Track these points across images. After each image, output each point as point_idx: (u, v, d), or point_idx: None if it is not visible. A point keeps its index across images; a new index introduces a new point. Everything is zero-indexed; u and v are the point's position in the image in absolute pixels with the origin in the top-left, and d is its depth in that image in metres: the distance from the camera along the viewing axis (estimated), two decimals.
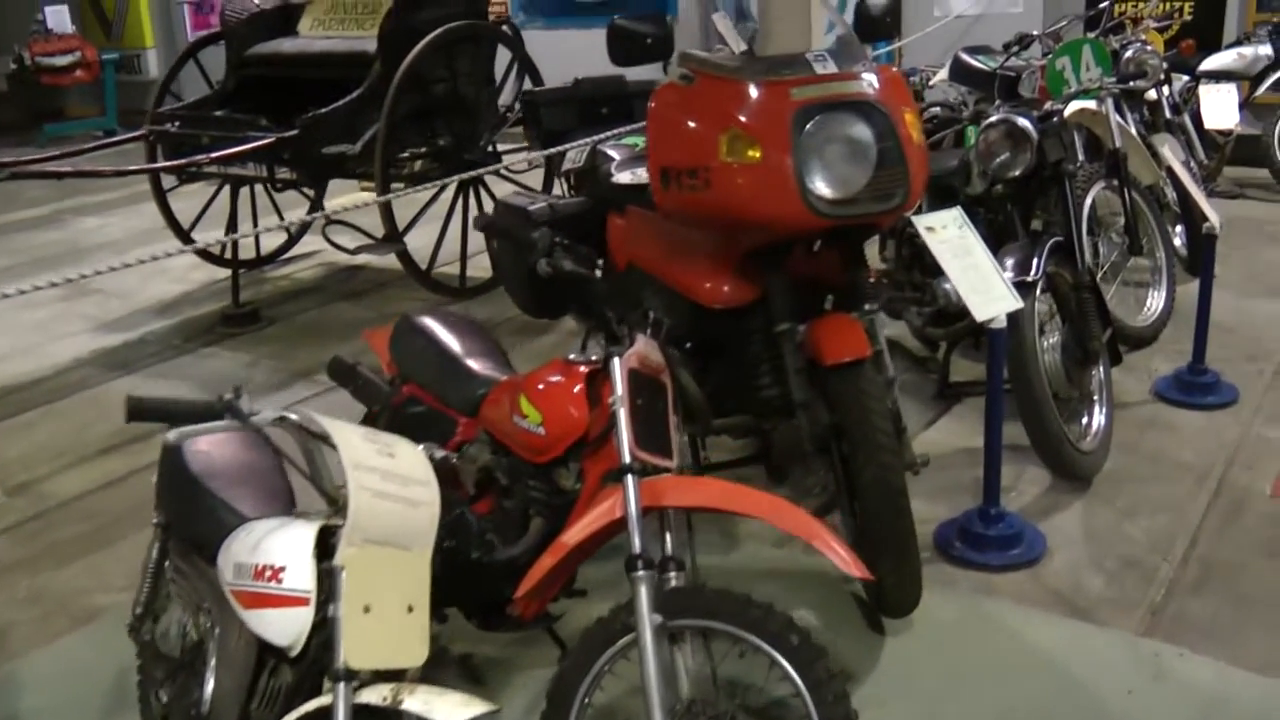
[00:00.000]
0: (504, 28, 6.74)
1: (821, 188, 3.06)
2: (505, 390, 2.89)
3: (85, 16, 14.34)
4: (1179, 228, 6.12)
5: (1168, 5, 8.34)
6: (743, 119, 3.13)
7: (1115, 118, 5.34)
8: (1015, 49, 5.84)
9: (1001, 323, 3.44)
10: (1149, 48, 6.19)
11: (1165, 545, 3.72)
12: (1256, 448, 4.34)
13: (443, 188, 6.39)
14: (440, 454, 2.30)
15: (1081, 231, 4.91)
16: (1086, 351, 3.99)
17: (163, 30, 14.23)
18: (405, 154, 6.45)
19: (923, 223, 3.49)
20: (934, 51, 8.13)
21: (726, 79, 3.22)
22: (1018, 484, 4.10)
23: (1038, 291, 3.86)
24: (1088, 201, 5.16)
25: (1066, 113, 4.97)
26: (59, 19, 13.53)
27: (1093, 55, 5.28)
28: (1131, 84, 5.06)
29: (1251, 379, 4.92)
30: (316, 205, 7.47)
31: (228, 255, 6.95)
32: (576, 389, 2.67)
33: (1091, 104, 5.33)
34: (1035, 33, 5.91)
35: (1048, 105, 4.20)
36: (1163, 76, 6.35)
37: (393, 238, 6.15)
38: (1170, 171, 4.82)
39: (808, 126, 3.07)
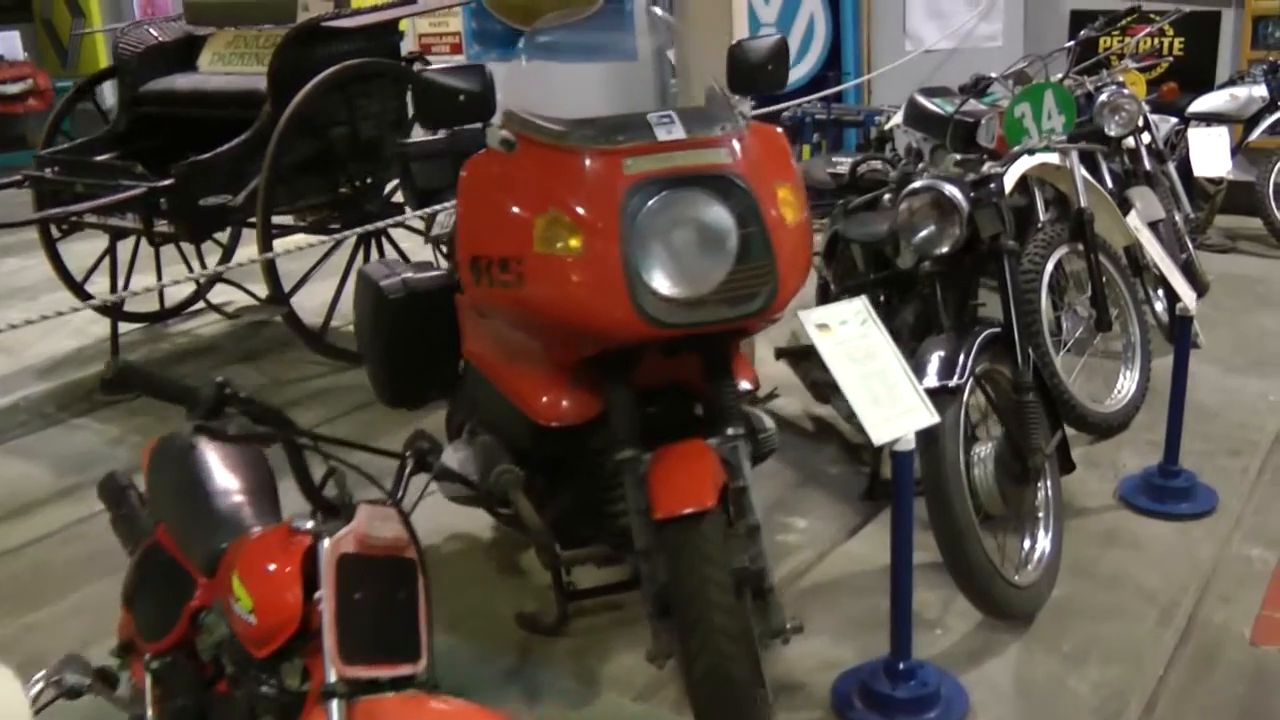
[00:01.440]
0: (416, 65, 6.09)
1: (659, 288, 2.43)
2: (231, 556, 2.23)
3: (40, 43, 13.81)
4: (1160, 291, 5.46)
5: (1152, 42, 7.68)
6: (563, 198, 2.49)
7: (1080, 173, 4.70)
8: (971, 93, 5.19)
9: (908, 444, 2.78)
10: (1126, 91, 5.53)
11: (1116, 708, 3.04)
12: (1235, 572, 3.67)
13: (337, 243, 5.74)
14: None
15: (1028, 319, 4.28)
16: (1027, 466, 3.31)
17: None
18: (301, 204, 5.83)
19: (812, 319, 2.83)
20: (906, 88, 7.47)
21: (548, 146, 2.58)
22: (945, 616, 3.44)
23: (965, 395, 3.20)
24: (1048, 268, 4.51)
25: (1025, 167, 4.32)
26: (10, 46, 12.98)
27: (1055, 102, 4.64)
28: (1082, 145, 4.38)
29: (1234, 479, 4.24)
30: (227, 255, 6.87)
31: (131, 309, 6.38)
32: (289, 569, 2.00)
33: (1053, 157, 4.68)
34: (993, 74, 5.26)
35: (986, 168, 3.53)
36: (1141, 123, 5.69)
37: (277, 299, 5.51)
38: (1140, 240, 4.15)
39: (643, 208, 2.44)
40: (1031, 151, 3.83)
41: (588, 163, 2.49)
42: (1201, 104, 7.31)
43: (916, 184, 3.42)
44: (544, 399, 2.79)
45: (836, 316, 2.88)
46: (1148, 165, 5.67)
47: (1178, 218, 6.31)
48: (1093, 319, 4.62)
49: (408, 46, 10.31)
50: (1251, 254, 7.12)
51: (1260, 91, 7.15)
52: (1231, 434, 4.61)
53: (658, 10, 3.03)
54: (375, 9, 6.07)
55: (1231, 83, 7.37)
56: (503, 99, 2.88)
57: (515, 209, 2.56)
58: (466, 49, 10.15)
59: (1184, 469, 4.11)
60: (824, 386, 4.31)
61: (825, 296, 4.56)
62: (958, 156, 5.27)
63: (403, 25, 10.28)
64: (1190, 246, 6.36)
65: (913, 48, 8.38)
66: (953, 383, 3.11)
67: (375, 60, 5.67)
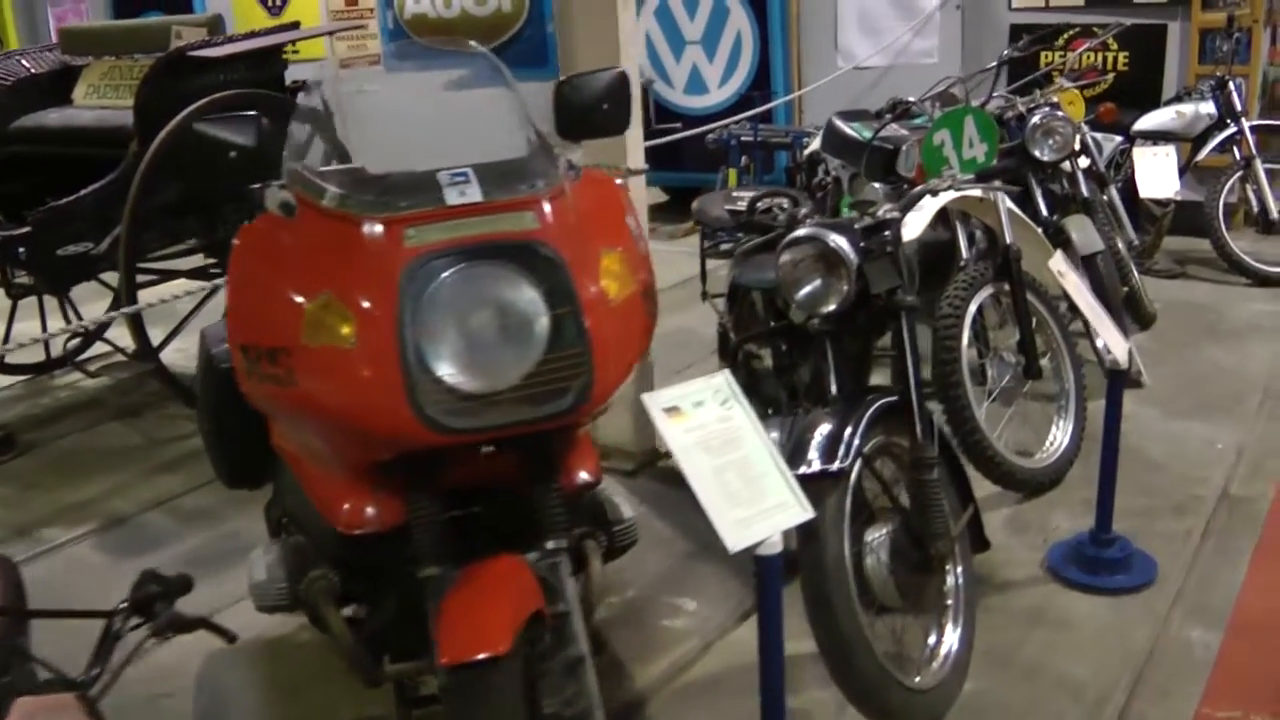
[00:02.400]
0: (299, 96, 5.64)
1: (444, 387, 2.00)
2: None
3: None
4: None
5: (1093, 58, 7.32)
6: (336, 278, 2.07)
7: (1005, 205, 4.30)
8: (889, 118, 4.80)
9: (773, 547, 2.36)
10: (1060, 114, 5.15)
11: None
12: (1174, 659, 3.26)
13: (213, 290, 5.30)
14: None
15: (947, 368, 3.90)
16: (928, 554, 2.89)
17: None
18: (175, 249, 5.39)
19: (659, 403, 2.40)
20: (841, 102, 7.05)
21: (324, 213, 2.15)
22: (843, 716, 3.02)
23: (853, 479, 2.78)
24: (971, 310, 4.11)
25: (930, 211, 3.92)
26: None
27: (977, 128, 4.25)
28: (993, 185, 3.97)
29: (1175, 544, 3.85)
30: (118, 303, 6.41)
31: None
32: None
33: (976, 191, 4.28)
34: (911, 98, 4.87)
35: (882, 212, 3.11)
36: (1078, 145, 5.31)
37: (143, 354, 5.06)
38: (1071, 282, 3.73)
39: (425, 289, 2.01)
40: (935, 192, 3.41)
41: (364, 234, 2.07)
42: (1147, 122, 6.95)
43: (799, 232, 3.01)
44: (345, 505, 2.37)
45: (691, 397, 2.46)
46: (1085, 191, 5.28)
47: (1120, 245, 5.94)
48: (1020, 365, 4.22)
49: (311, 73, 9.94)
50: (1201, 279, 6.75)
51: (1208, 108, 6.79)
52: (1174, 489, 4.22)
53: (474, 44, 2.59)
54: (250, 36, 5.62)
55: (1178, 99, 7.01)
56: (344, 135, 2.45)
57: (285, 290, 2.14)
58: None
59: (1119, 535, 3.71)
60: None
61: (724, 346, 4.15)
62: (876, 185, 4.93)
63: (310, 50, 9.87)
64: (1135, 274, 5.99)
65: (845, 64, 8.00)
66: (835, 467, 2.69)
67: (248, 91, 5.21)
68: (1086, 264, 4.97)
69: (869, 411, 2.83)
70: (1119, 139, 7.01)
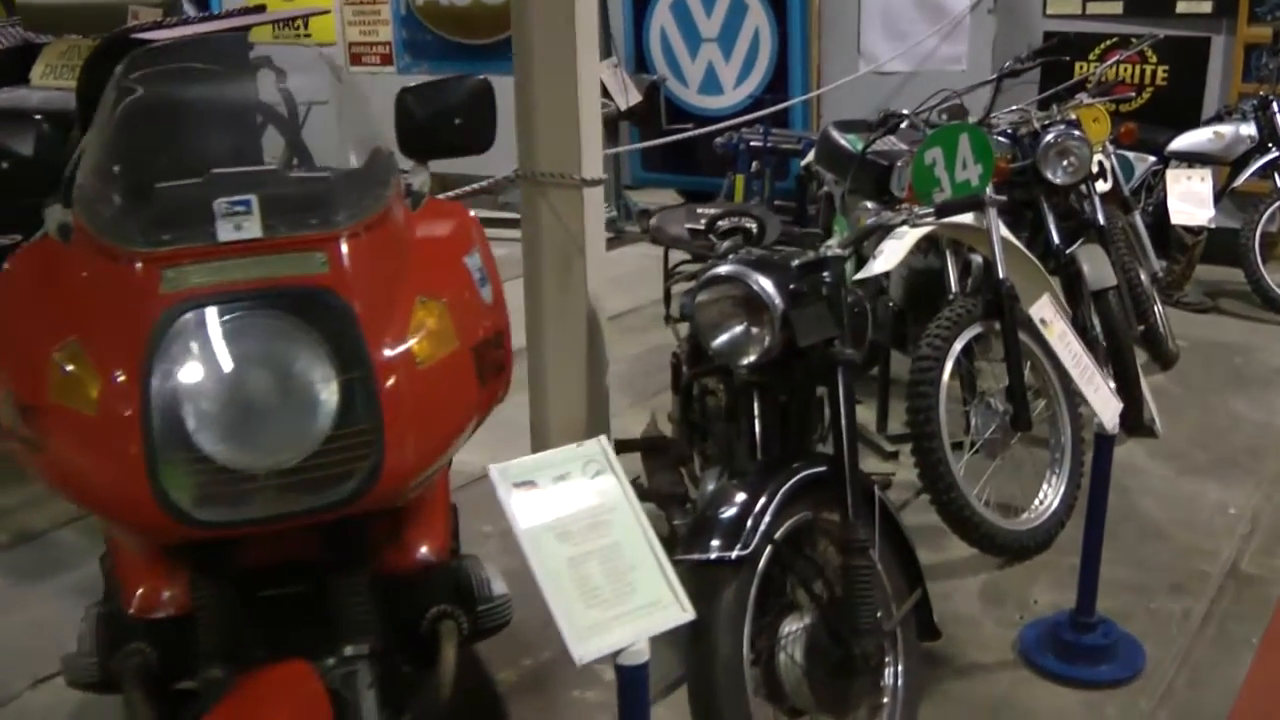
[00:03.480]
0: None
1: (198, 469, 1.60)
2: None
3: None
4: (1110, 366, 4.61)
5: (1122, 70, 6.81)
6: (86, 325, 1.68)
7: (999, 234, 3.86)
8: (880, 131, 4.36)
9: (638, 656, 1.95)
10: (1076, 133, 4.68)
11: None
12: None
13: None
14: None
15: (922, 415, 3.47)
16: (852, 656, 2.45)
17: None
18: None
19: (510, 475, 2.00)
20: (862, 109, 6.59)
21: (93, 240, 1.76)
22: None
23: (760, 566, 2.35)
24: (955, 349, 3.68)
25: (893, 257, 3.49)
26: None
27: (971, 148, 3.81)
28: (953, 220, 3.49)
29: (1169, 629, 3.40)
30: None
31: None
32: None
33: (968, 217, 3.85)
34: (905, 111, 4.42)
35: (829, 245, 2.67)
36: (1096, 168, 4.84)
37: None
38: (1056, 333, 3.25)
39: (176, 346, 1.61)
40: (885, 227, 2.95)
41: (117, 272, 1.68)
42: (1182, 142, 6.45)
43: (720, 269, 2.59)
44: (139, 587, 1.99)
45: (552, 468, 2.05)
46: (1101, 219, 4.80)
47: (1143, 276, 5.47)
48: (1009, 415, 3.77)
49: (338, 56, 9.59)
50: (1234, 315, 6.24)
51: (1248, 130, 6.28)
52: (1176, 562, 3.75)
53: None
54: (210, 18, 5.26)
55: (1218, 118, 6.50)
56: None
57: (38, 332, 1.76)
58: (397, 60, 9.36)
59: (1103, 618, 3.26)
60: (670, 500, 3.50)
61: (677, 378, 3.74)
62: (869, 205, 4.49)
63: (321, 35, 9.53)
64: (1157, 310, 5.51)
65: (867, 68, 7.53)
66: (735, 554, 2.26)
67: None
68: (1096, 300, 4.52)
69: (788, 484, 2.41)
70: (1152, 159, 6.53)
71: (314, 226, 1.78)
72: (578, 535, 2.01)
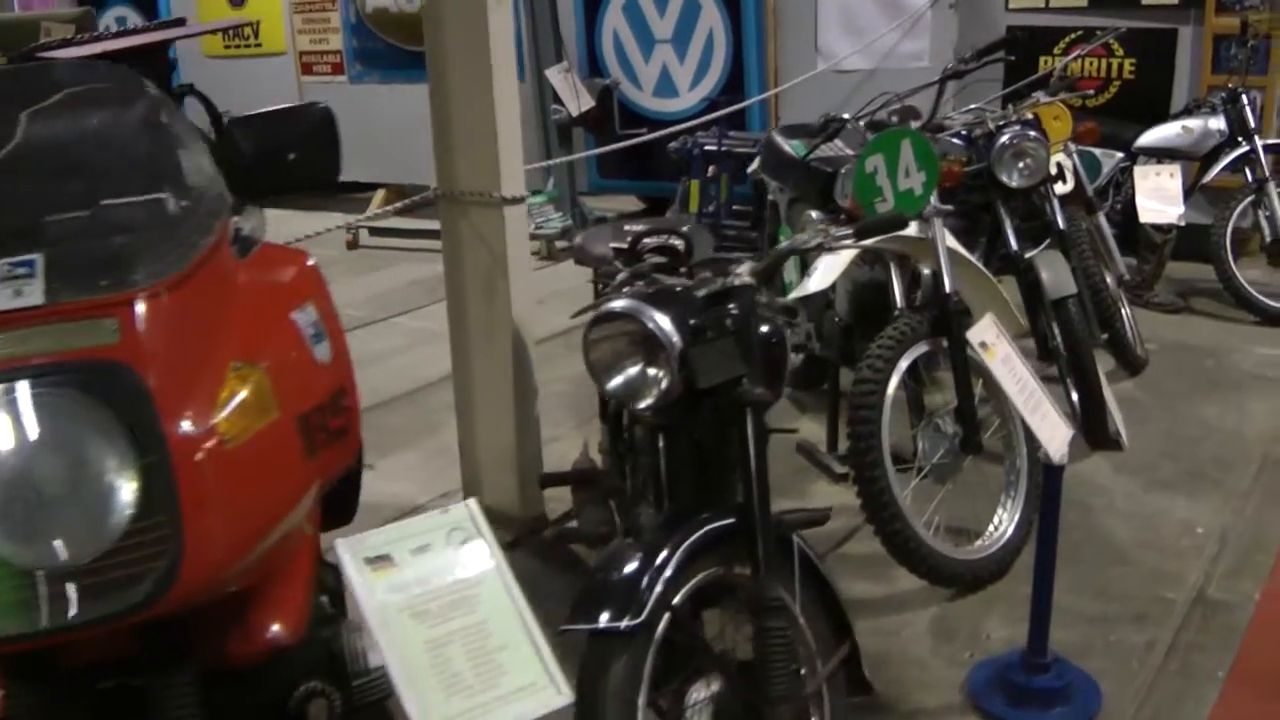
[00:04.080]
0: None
1: None
2: None
3: None
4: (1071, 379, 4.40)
5: (1079, 67, 6.58)
6: None
7: (945, 245, 3.65)
8: (821, 138, 4.14)
9: None
10: (1032, 133, 4.46)
11: None
12: None
13: None
14: None
15: (864, 444, 3.27)
16: None
17: None
18: None
19: (363, 550, 1.77)
20: (821, 110, 6.35)
21: None
22: None
23: (658, 633, 2.12)
24: (899, 370, 3.47)
25: (837, 269, 3.27)
26: None
27: (914, 154, 3.59)
28: (870, 243, 3.21)
29: (1130, 663, 3.18)
30: None
31: None
32: None
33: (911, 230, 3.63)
34: (845, 115, 4.19)
35: (734, 277, 2.42)
36: (1055, 169, 4.63)
37: None
38: (997, 357, 3.01)
39: None
40: (798, 251, 2.69)
41: None
42: (1149, 137, 6.25)
43: (613, 304, 2.36)
44: None
45: (411, 540, 1.83)
46: (1061, 223, 4.59)
47: (1109, 279, 5.26)
48: (959, 438, 3.56)
49: (289, 66, 9.36)
50: (1204, 314, 6.04)
51: (1218, 124, 6.07)
52: (1139, 588, 3.54)
53: None
54: (124, 34, 5.02)
55: (1187, 112, 6.29)
56: None
57: None
58: (348, 69, 9.13)
59: (1057, 657, 3.04)
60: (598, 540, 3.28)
61: (604, 406, 3.51)
62: (814, 214, 4.28)
63: (271, 44, 9.29)
64: (1126, 312, 5.31)
65: (825, 63, 7.31)
66: (625, 624, 2.03)
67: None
68: (1056, 309, 4.32)
69: (691, 540, 2.18)
70: (1119, 156, 6.32)
71: (105, 289, 1.55)
72: (437, 614, 1.79)
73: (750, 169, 5.21)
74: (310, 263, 1.90)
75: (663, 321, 2.26)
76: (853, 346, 4.09)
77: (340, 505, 2.54)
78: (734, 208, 6.69)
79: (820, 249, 2.51)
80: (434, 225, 8.23)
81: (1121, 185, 6.31)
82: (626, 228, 3.62)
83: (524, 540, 3.94)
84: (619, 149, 7.34)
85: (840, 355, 4.14)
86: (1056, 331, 4.34)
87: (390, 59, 8.83)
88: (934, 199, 3.59)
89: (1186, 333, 5.74)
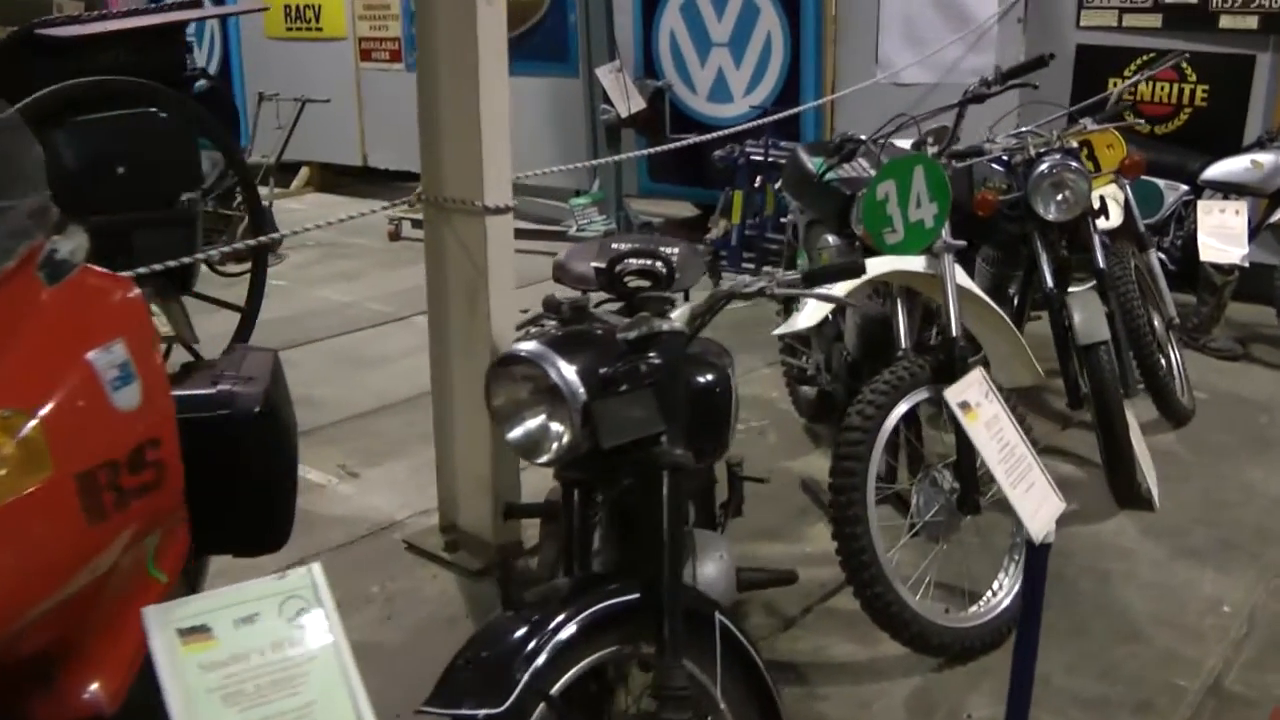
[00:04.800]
0: (201, 84, 4.88)
1: None
2: None
3: None
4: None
5: (1148, 90, 6.18)
6: None
7: (955, 284, 3.36)
8: (837, 159, 3.85)
9: None
10: (1074, 163, 4.14)
11: None
12: None
13: None
14: None
15: (844, 497, 3.00)
16: None
17: None
18: None
19: (175, 620, 1.55)
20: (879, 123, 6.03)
21: None
22: None
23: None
24: (893, 418, 3.20)
25: (878, 270, 3.00)
26: None
27: (926, 183, 3.32)
28: (817, 293, 2.80)
29: None
30: None
31: None
32: None
33: (914, 263, 3.36)
34: (863, 136, 3.90)
35: (664, 320, 2.16)
36: (1095, 204, 4.30)
37: None
38: (978, 422, 2.69)
39: None
40: (738, 295, 2.37)
41: None
42: (1216, 170, 5.85)
43: (518, 347, 2.12)
44: None
45: (237, 609, 1.61)
46: (1101, 261, 4.25)
47: (1157, 322, 4.92)
48: (956, 495, 3.27)
49: (348, 51, 9.23)
50: (1266, 364, 5.64)
51: None
52: (1149, 671, 3.22)
53: None
54: (135, 13, 4.87)
55: (1259, 145, 5.88)
56: None
57: None
58: (405, 57, 8.98)
59: None
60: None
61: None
62: (830, 238, 4.01)
63: (332, 29, 9.16)
64: (1176, 356, 4.96)
65: (884, 73, 6.99)
66: (484, 714, 1.79)
67: (108, 80, 4.43)
68: (1087, 354, 4.00)
69: (585, 615, 1.93)
70: (1184, 188, 5.96)
71: None
72: (253, 695, 1.56)
73: (776, 185, 4.94)
74: (132, 294, 1.68)
75: (567, 370, 2.01)
76: (860, 383, 3.82)
77: (265, 527, 2.32)
78: (781, 220, 6.41)
79: (762, 294, 2.25)
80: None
81: (1184, 219, 5.94)
82: (613, 244, 3.39)
83: (492, 570, 3.72)
84: (667, 151, 7.10)
85: (846, 391, 3.86)
86: (1087, 379, 4.03)
87: None
88: (946, 232, 3.30)
89: (1242, 383, 5.36)
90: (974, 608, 3.29)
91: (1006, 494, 2.49)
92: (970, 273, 4.56)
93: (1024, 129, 4.50)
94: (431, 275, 3.76)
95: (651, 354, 2.08)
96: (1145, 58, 6.38)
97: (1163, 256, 5.95)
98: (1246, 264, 5.41)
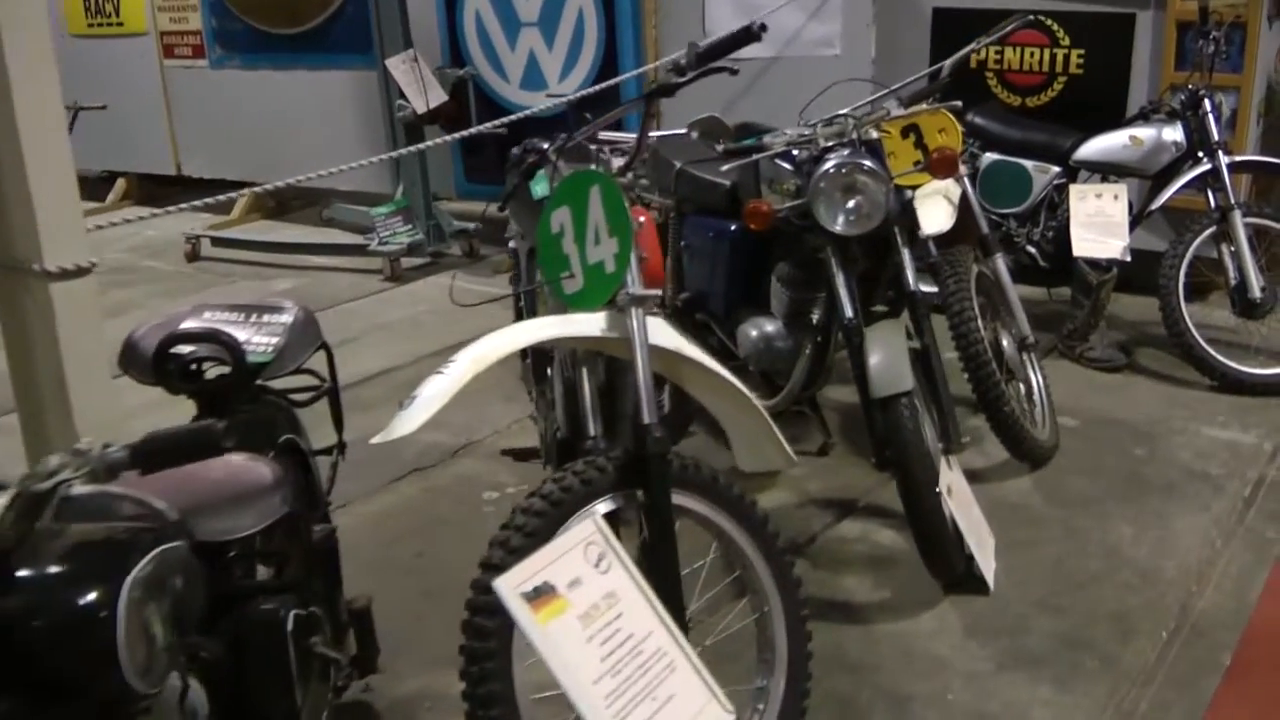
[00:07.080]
0: None
1: None
2: None
3: None
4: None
5: (1011, 59, 5.27)
6: None
7: (672, 345, 2.46)
8: (519, 179, 2.93)
9: None
10: (866, 162, 3.24)
11: None
12: None
13: None
14: None
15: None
16: None
17: None
18: None
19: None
20: (711, 104, 5.09)
21: None
22: None
23: None
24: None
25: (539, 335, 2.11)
26: None
27: (604, 210, 2.42)
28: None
29: None
30: None
31: None
32: None
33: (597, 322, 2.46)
34: (545, 145, 2.98)
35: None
36: (900, 208, 3.41)
37: None
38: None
39: None
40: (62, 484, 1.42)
41: None
42: (1091, 149, 4.99)
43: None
44: None
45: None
46: (910, 280, 3.35)
47: (1006, 343, 4.06)
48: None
49: (151, 47, 8.25)
50: (1151, 374, 4.77)
51: (1173, 134, 4.80)
52: None
53: None
54: None
55: (1141, 117, 5.00)
56: None
57: None
58: (209, 52, 8.00)
59: None
60: None
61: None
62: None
63: (133, 24, 8.21)
64: (1037, 380, 4.11)
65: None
66: None
67: None
68: (884, 409, 3.11)
69: None
70: (1055, 170, 5.08)
71: None
72: None
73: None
74: None
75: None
76: None
77: None
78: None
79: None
80: (293, 235, 7.13)
81: (1057, 206, 5.07)
82: (182, 325, 2.47)
83: None
84: (479, 147, 6.22)
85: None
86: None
87: (250, 42, 7.70)
88: (632, 279, 2.39)
89: (1120, 402, 4.48)
90: None
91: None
92: (764, 294, 3.70)
93: (842, 112, 3.59)
94: (11, 357, 2.84)
95: None
96: (1004, 23, 5.48)
97: (1033, 251, 5.13)
98: (1127, 258, 4.55)
